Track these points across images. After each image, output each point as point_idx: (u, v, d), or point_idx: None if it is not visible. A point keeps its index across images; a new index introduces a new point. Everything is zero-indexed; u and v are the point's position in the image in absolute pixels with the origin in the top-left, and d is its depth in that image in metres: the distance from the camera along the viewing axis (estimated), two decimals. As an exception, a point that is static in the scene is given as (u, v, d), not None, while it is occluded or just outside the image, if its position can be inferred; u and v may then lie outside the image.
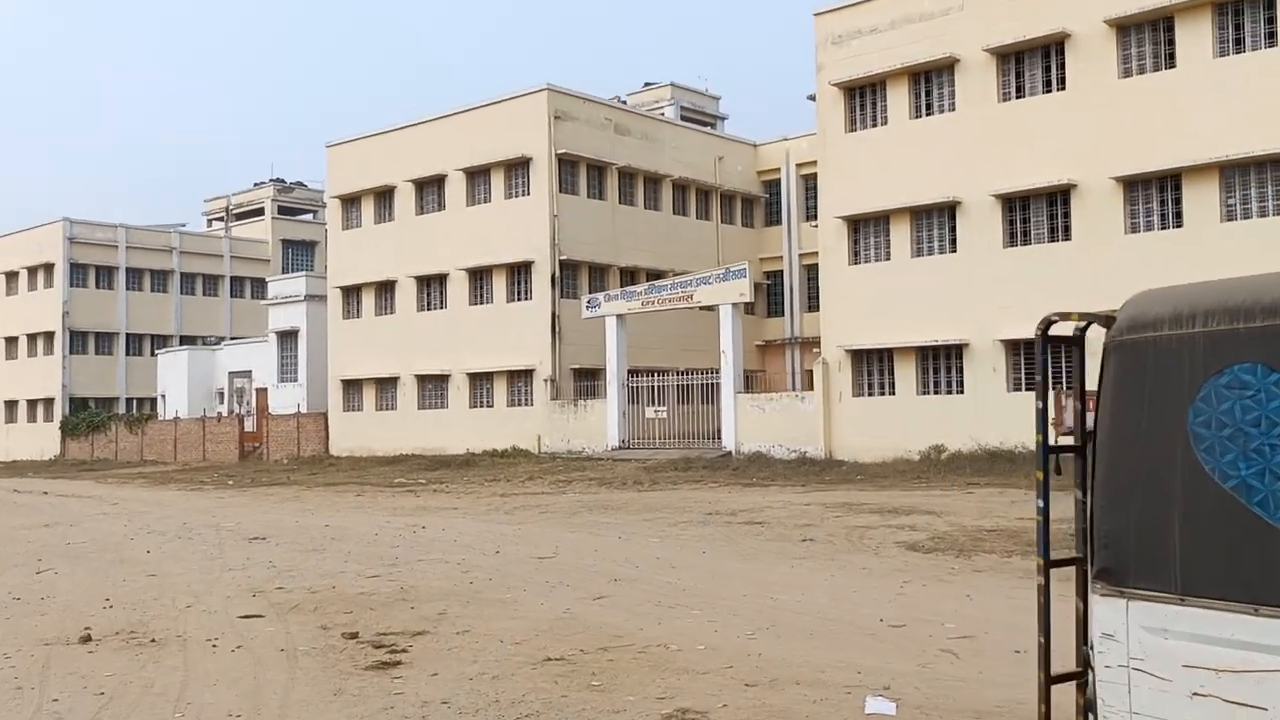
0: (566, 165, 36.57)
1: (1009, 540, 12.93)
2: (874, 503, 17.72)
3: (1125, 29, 24.56)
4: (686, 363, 35.64)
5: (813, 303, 41.99)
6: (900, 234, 27.99)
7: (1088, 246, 24.93)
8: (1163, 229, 24.17)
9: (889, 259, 28.32)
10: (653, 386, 33.22)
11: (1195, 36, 23.59)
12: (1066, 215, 25.42)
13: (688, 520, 16.13)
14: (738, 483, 23.74)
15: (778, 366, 42.36)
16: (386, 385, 40.40)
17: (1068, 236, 25.38)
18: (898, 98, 28.10)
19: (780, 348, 42.77)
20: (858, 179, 28.60)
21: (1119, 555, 3.73)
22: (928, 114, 27.81)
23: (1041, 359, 4.27)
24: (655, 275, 37.21)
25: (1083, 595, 3.95)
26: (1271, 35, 22.80)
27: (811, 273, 41.67)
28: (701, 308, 32.89)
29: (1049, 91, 25.79)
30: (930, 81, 27.72)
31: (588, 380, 36.08)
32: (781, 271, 42.21)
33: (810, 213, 42.16)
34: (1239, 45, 23.27)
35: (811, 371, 36.73)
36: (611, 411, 33.29)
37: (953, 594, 9.63)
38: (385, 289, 40.69)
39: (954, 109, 27.23)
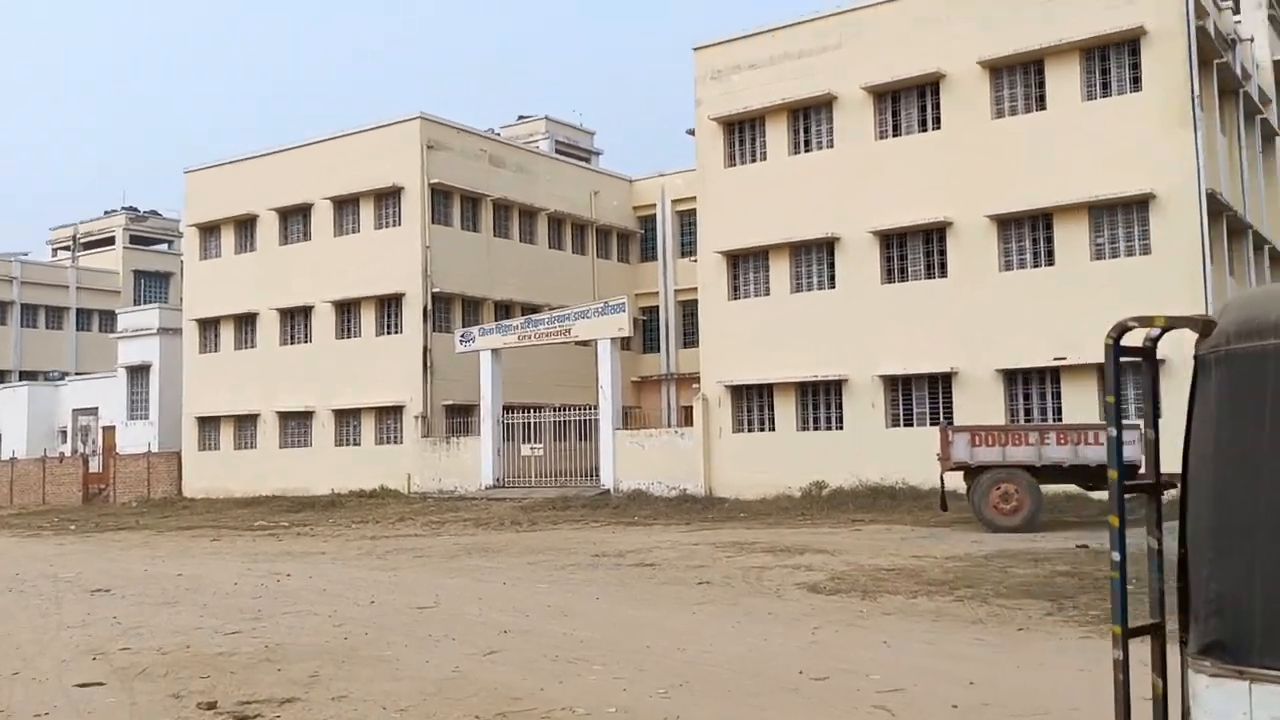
0: (440, 196, 35.56)
1: (910, 580, 12.54)
2: (764, 541, 17.23)
3: (998, 70, 25.08)
4: (562, 399, 34.85)
5: (689, 339, 41.90)
6: (780, 269, 27.91)
7: (964, 283, 25.22)
8: (1035, 266, 24.61)
9: (769, 294, 28.20)
10: (528, 423, 32.31)
11: (1064, 79, 24.22)
12: (943, 252, 25.71)
13: (575, 563, 15.32)
14: (619, 521, 23.02)
15: (653, 403, 41.96)
16: (246, 422, 38.39)
17: (944, 273, 25.65)
18: (777, 134, 28.12)
19: (656, 384, 42.39)
20: (737, 214, 28.46)
21: (1238, 624, 2.92)
22: (807, 150, 27.90)
23: (1113, 375, 3.47)
24: (530, 309, 36.40)
25: (1160, 670, 3.23)
26: (1136, 80, 23.54)
27: (688, 308, 41.56)
28: (578, 342, 32.23)
29: (925, 130, 26.14)
30: (809, 118, 27.83)
31: (460, 417, 34.94)
32: (657, 307, 41.95)
33: (686, 249, 42.09)
34: (1105, 89, 23.97)
35: (687, 408, 36.45)
36: (485, 449, 32.22)
37: (867, 640, 9.10)
38: (246, 322, 38.79)
39: (832, 146, 27.37)
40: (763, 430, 28.11)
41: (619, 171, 43.71)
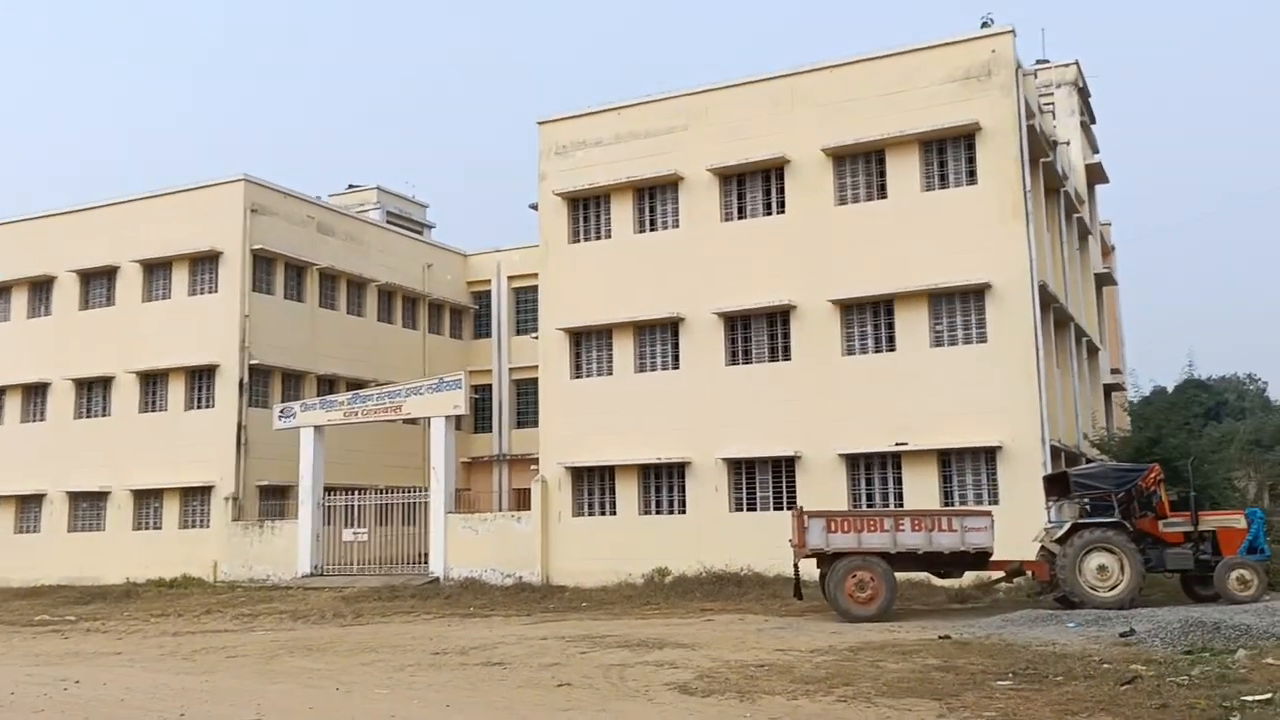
0: (262, 262, 33.57)
1: (783, 678, 11.73)
2: (616, 634, 16.16)
3: (841, 158, 25.42)
4: (388, 480, 33.07)
5: (523, 418, 40.80)
6: (623, 348, 27.26)
7: (808, 366, 25.14)
8: (877, 351, 24.76)
9: (611, 373, 27.48)
10: (351, 506, 30.34)
11: (904, 170, 24.71)
12: (787, 335, 25.61)
13: (414, 663, 13.86)
14: (454, 613, 21.49)
15: (484, 485, 40.41)
16: (30, 503, 34.80)
17: (788, 356, 25.53)
18: (622, 211, 27.71)
19: (488, 465, 40.93)
20: (581, 291, 27.77)
21: None
22: (652, 229, 27.55)
23: None
24: (356, 385, 34.66)
25: None
26: (972, 174, 24.22)
27: (522, 387, 40.59)
28: (409, 420, 30.61)
29: (770, 214, 26.20)
30: (655, 197, 27.55)
31: (275, 499, 32.60)
32: (491, 385, 40.71)
33: (522, 326, 41.26)
34: (944, 181, 24.57)
35: (520, 490, 35.24)
36: (304, 534, 30.03)
37: (764, 753, 8.17)
38: (35, 392, 35.43)
39: (678, 225, 27.11)
40: (604, 514, 27.13)
41: (454, 245, 42.54)
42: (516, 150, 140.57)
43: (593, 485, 27.42)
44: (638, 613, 20.18)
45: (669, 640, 15.10)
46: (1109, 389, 34.65)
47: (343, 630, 18.97)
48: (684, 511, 26.14)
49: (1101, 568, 16.86)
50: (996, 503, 22.90)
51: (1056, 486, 19.08)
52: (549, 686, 11.60)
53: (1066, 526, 17.22)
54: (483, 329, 42.69)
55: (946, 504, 23.40)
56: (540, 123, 29.07)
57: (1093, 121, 37.87)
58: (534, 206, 29.33)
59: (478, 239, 73.20)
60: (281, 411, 30.90)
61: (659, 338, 27.11)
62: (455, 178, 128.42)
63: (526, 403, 41.00)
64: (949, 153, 24.56)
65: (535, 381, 40.26)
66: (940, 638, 14.54)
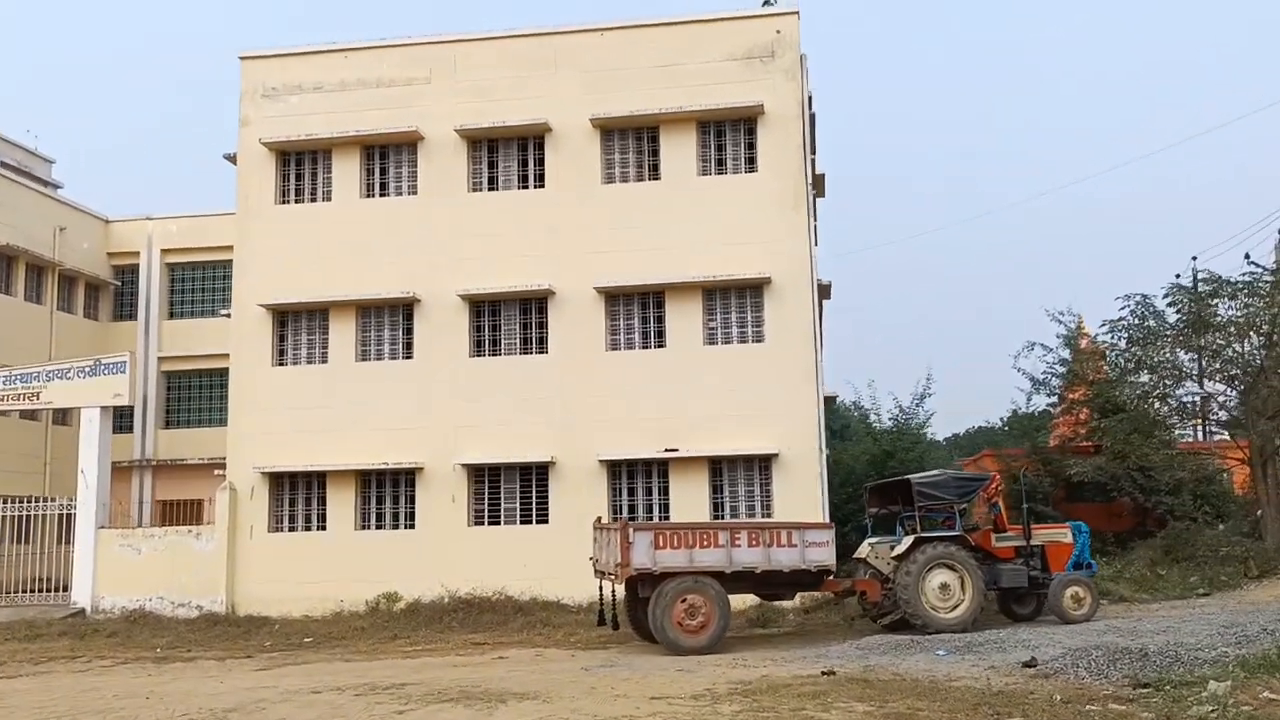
0: None
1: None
2: (413, 681, 12.37)
3: (609, 132, 22.84)
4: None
5: (172, 417, 34.70)
6: (343, 332, 22.98)
7: (566, 361, 22.25)
8: (645, 347, 22.33)
9: (326, 361, 23.10)
10: (-39, 519, 23.58)
11: (679, 150, 22.55)
12: (543, 325, 22.57)
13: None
14: (140, 657, 16.40)
15: (122, 494, 33.69)
16: None
17: (544, 348, 22.50)
18: (346, 170, 23.46)
19: (125, 471, 34.20)
20: (289, 262, 23.20)
21: None
22: (383, 194, 23.54)
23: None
24: (-40, 368, 27.39)
25: None
26: (751, 160, 22.49)
27: (174, 380, 34.51)
28: (50, 410, 24.33)
29: (527, 187, 23.09)
30: (388, 157, 23.57)
31: None
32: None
33: (176, 309, 35.15)
34: (721, 166, 22.66)
35: (168, 504, 29.47)
36: (-113, 555, 22.90)
37: None
38: None
39: (416, 192, 23.31)
40: (310, 529, 22.63)
41: (93, 208, 35.43)
42: (173, 104, 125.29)
43: (296, 494, 22.84)
44: (394, 650, 16.26)
45: (494, 690, 11.60)
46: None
47: (-15, 689, 13.58)
48: (413, 526, 22.28)
49: (944, 586, 15.32)
50: (770, 514, 21.17)
51: (882, 497, 17.50)
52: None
53: (908, 541, 15.53)
54: (125, 310, 35.85)
55: (716, 516, 21.36)
56: (244, 57, 24.16)
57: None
58: (230, 158, 24.30)
59: (122, 205, 62.90)
60: None
61: (388, 321, 23.10)
62: (97, 133, 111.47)
63: (179, 398, 34.89)
64: (728, 135, 22.69)
65: (190, 374, 34.75)
66: (824, 673, 12.15)
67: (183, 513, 31.92)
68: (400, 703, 10.92)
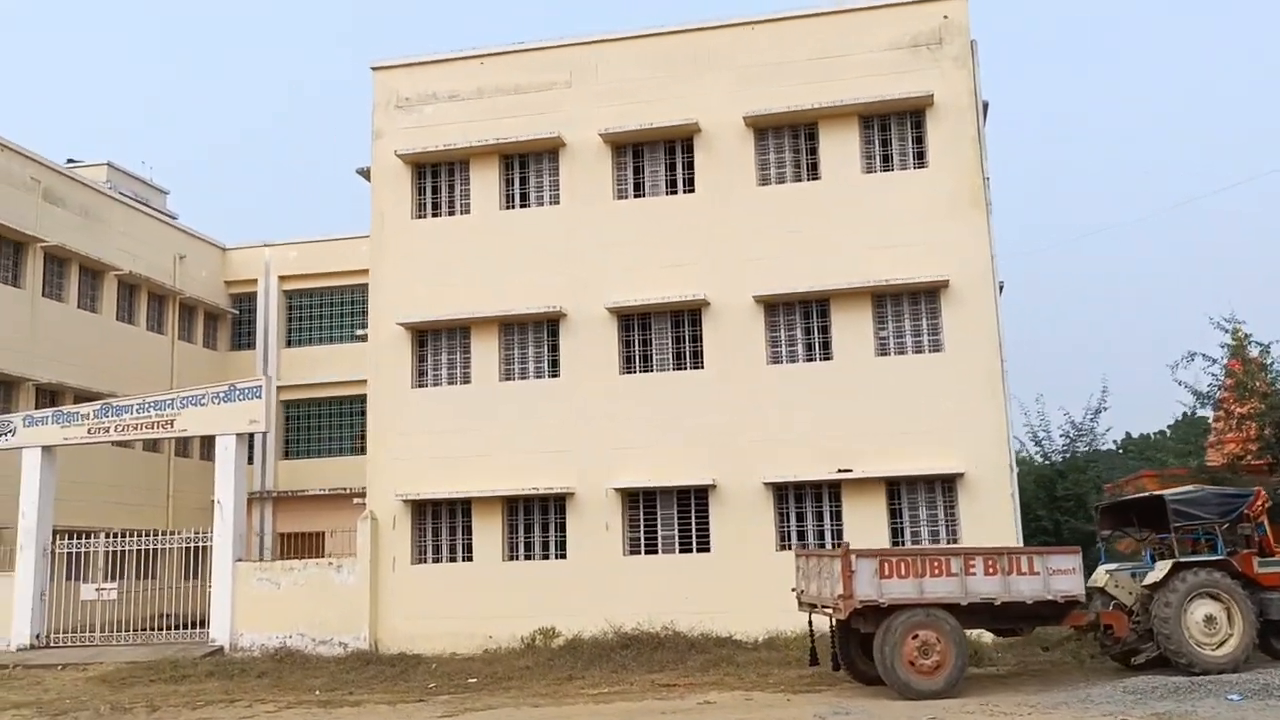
0: (-33, 230, 25.38)
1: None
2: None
3: (763, 130, 21.34)
4: (121, 522, 25.64)
5: (291, 448, 33.98)
6: (485, 350, 21.73)
7: (724, 377, 20.68)
8: (810, 360, 20.67)
9: (469, 381, 21.84)
10: (92, 553, 22.79)
11: (841, 147, 20.94)
12: (697, 339, 21.05)
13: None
14: (303, 700, 15.11)
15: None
16: None
17: (699, 364, 20.97)
18: (484, 181, 22.29)
19: (246, 504, 33.40)
20: (427, 279, 22.07)
21: None
22: (524, 205, 22.31)
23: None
24: (85, 398, 26.72)
25: None
26: (921, 155, 20.79)
27: (292, 410, 33.71)
28: (174, 442, 23.48)
29: (675, 192, 21.67)
30: (528, 166, 22.35)
31: (-25, 545, 24.25)
32: (258, 406, 33.32)
33: (294, 337, 34.50)
34: (887, 163, 21.00)
35: (288, 537, 28.48)
36: (23, 591, 22.16)
37: None
38: None
39: (558, 202, 22.03)
40: (455, 560, 21.32)
41: (210, 236, 34.97)
42: (282, 130, 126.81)
43: (440, 523, 21.56)
44: (576, 693, 14.74)
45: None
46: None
47: (150, 739, 12.37)
48: (564, 555, 20.84)
49: (1209, 618, 13.34)
50: (955, 540, 19.30)
51: (1116, 517, 15.57)
52: None
53: (1164, 568, 13.60)
54: (243, 339, 35.36)
55: (896, 543, 19.54)
56: (376, 68, 23.19)
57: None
58: (364, 173, 23.31)
59: (234, 233, 62.65)
60: (-5, 426, 22.86)
61: (533, 338, 21.79)
62: (199, 159, 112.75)
63: (298, 428, 34.14)
64: (893, 130, 21.03)
65: (309, 404, 33.96)
66: (1115, 724, 10.32)
67: (304, 545, 30.97)
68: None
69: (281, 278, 34.49)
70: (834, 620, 13.83)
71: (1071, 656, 15.71)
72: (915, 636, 12.81)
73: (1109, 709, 11.21)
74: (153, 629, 22.58)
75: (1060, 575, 13.13)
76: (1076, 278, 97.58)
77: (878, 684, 13.85)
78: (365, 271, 32.32)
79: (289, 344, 34.63)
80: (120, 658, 20.29)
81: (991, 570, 13.09)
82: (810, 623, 14.48)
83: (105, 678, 18.19)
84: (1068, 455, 25.67)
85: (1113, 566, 14.74)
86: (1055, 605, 13.24)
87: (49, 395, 27.26)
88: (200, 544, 22.05)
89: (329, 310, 34.20)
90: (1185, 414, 31.94)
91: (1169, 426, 47.33)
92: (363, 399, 32.49)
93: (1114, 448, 26.29)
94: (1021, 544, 18.74)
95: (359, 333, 24.43)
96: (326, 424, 33.69)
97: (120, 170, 37.68)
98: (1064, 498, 24.50)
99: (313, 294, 34.39)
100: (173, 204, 40.00)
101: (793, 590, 15.02)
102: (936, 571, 12.99)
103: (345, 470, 32.18)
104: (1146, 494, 15.63)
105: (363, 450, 32.72)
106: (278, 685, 16.65)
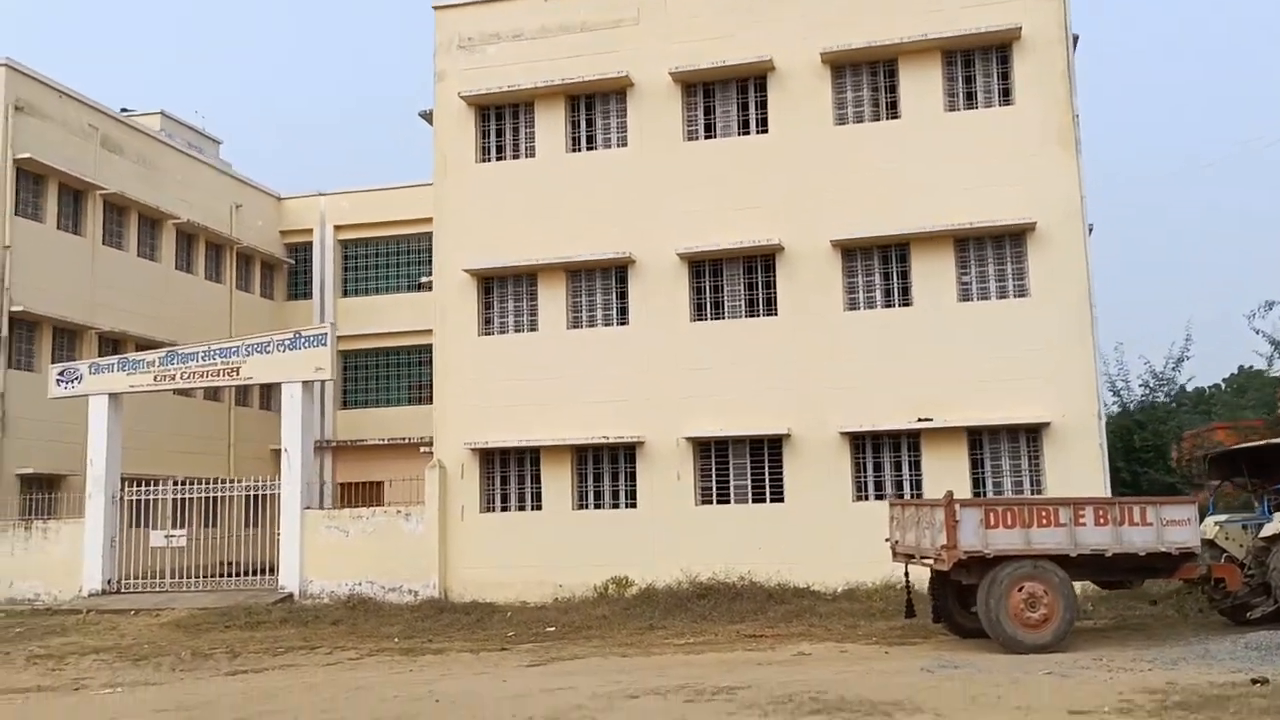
0: (28, 179, 25.29)
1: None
2: (737, 684, 10.44)
3: (841, 68, 20.56)
4: (184, 470, 25.68)
5: (350, 398, 33.84)
6: (553, 297, 21.28)
7: (799, 323, 20.10)
8: (888, 306, 20.04)
9: (535, 329, 21.43)
10: (161, 500, 22.76)
11: (922, 84, 20.13)
12: (771, 285, 20.46)
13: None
14: (375, 648, 14.90)
15: (303, 477, 32.94)
16: None
17: (773, 310, 20.39)
18: (550, 123, 21.72)
19: (307, 453, 33.42)
20: (493, 224, 21.60)
21: None
22: (590, 147, 21.73)
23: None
24: (147, 346, 26.62)
25: None
26: (1006, 92, 19.95)
27: (350, 360, 33.50)
28: (235, 391, 23.32)
29: (748, 133, 20.98)
30: (594, 107, 21.74)
31: (43, 491, 24.35)
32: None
33: (350, 287, 34.27)
34: (971, 100, 20.18)
35: (348, 486, 28.31)
36: (92, 538, 22.18)
37: None
38: None
39: (626, 144, 21.43)
40: (523, 509, 21.05)
41: (265, 185, 34.71)
42: (340, 78, 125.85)
43: (508, 472, 21.27)
44: (660, 642, 14.42)
45: (854, 698, 9.56)
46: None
47: (237, 683, 12.17)
48: (634, 505, 20.48)
49: (1325, 574, 12.73)
50: (1040, 491, 18.71)
51: (1227, 467, 14.93)
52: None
53: (1280, 521, 12.99)
54: (299, 289, 35.18)
55: (977, 493, 18.98)
56: (438, 7, 22.59)
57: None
58: (426, 116, 22.84)
59: (289, 182, 62.41)
60: (62, 374, 22.79)
61: (601, 285, 21.30)
62: (254, 112, 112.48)
63: (356, 378, 34.00)
64: (978, 65, 20.18)
65: (367, 354, 33.79)
66: (1255, 681, 9.79)
67: (363, 495, 30.89)
68: (755, 714, 8.97)
69: (337, 227, 34.21)
70: (932, 572, 13.33)
71: (1176, 610, 15.14)
72: (1021, 589, 12.29)
73: (1235, 665, 10.68)
74: (219, 576, 22.63)
75: (1174, 526, 12.53)
76: (1162, 218, 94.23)
77: (975, 637, 13.40)
78: (422, 220, 32.22)
79: (345, 294, 34.42)
80: (192, 603, 20.29)
81: (1102, 520, 12.52)
82: (906, 574, 14.00)
83: (179, 623, 18.15)
84: (1146, 406, 24.89)
85: (1222, 518, 14.11)
86: (1168, 558, 12.66)
87: (111, 344, 27.22)
88: (263, 492, 21.94)
89: (385, 260, 33.92)
90: (1240, 368, 31.05)
91: (1224, 380, 46.06)
92: (421, 349, 32.64)
93: (1166, 400, 25.45)
94: (1109, 495, 18.14)
95: (424, 280, 24.12)
96: (385, 374, 33.54)
97: (173, 119, 37.40)
98: (1142, 449, 23.79)
99: (369, 243, 34.11)
100: (225, 154, 39.77)
101: (886, 541, 14.54)
102: (1044, 522, 12.45)
103: (404, 420, 32.09)
104: (1266, 442, 14.93)
105: (421, 400, 32.93)
106: (354, 632, 16.49)
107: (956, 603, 13.57)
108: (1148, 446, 23.92)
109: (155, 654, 15.06)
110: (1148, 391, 25.12)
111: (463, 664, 13.10)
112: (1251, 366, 37.97)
